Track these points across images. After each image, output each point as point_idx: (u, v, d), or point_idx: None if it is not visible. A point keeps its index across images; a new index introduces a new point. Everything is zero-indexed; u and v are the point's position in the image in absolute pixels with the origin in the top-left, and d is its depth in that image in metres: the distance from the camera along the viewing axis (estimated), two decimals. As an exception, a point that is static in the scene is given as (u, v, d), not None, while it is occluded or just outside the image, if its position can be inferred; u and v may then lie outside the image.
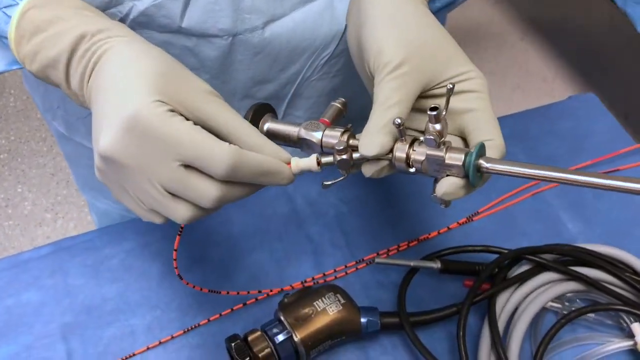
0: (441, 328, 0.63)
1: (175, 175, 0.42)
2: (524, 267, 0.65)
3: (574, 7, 2.36)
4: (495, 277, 0.64)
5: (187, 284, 0.60)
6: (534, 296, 0.63)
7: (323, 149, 0.48)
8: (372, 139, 0.45)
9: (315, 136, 0.48)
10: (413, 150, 0.45)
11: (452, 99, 0.47)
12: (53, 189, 1.85)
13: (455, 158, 0.44)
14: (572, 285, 0.64)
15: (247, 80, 0.64)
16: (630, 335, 0.62)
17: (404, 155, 0.45)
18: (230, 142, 0.44)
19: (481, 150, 0.44)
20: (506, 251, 0.66)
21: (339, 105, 0.51)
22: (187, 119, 0.43)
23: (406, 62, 0.46)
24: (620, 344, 0.62)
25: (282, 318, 0.59)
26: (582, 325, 0.65)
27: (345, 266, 0.68)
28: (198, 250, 0.68)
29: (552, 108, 0.84)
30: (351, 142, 0.48)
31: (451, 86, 0.44)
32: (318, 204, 0.72)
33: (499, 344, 0.59)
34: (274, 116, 0.53)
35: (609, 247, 0.66)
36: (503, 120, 0.80)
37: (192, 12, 0.57)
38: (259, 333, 0.58)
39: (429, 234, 0.70)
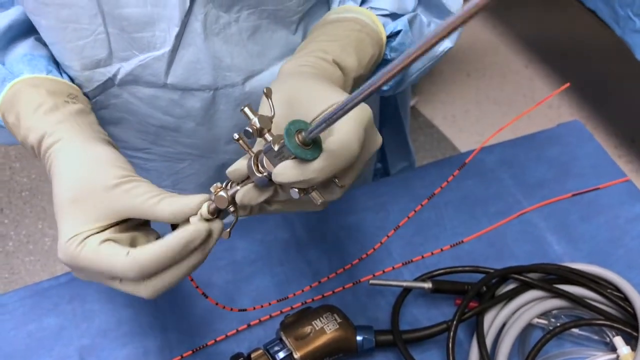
0: (433, 344, 0.67)
1: (114, 286, 0.48)
2: (510, 286, 0.69)
3: (578, 34, 2.41)
4: (483, 295, 0.68)
5: (216, 304, 0.65)
6: (521, 313, 0.67)
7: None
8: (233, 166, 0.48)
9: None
10: (258, 158, 0.46)
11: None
12: (72, 224, 1.91)
13: (279, 141, 0.43)
14: (557, 302, 0.68)
15: (231, 127, 0.69)
16: (613, 349, 0.65)
17: (252, 163, 0.45)
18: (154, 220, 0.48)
19: (299, 125, 0.42)
20: (493, 271, 0.69)
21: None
22: (107, 226, 0.48)
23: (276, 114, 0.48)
24: (603, 357, 0.65)
25: (283, 337, 0.63)
26: (568, 340, 0.68)
27: (343, 287, 0.72)
28: (204, 275, 0.73)
29: (539, 135, 0.88)
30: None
31: (265, 91, 0.45)
32: (317, 230, 0.77)
33: (487, 358, 0.63)
34: None
35: (592, 266, 0.70)
36: (492, 148, 0.86)
37: (176, 70, 0.62)
38: (261, 351, 0.62)
39: (422, 256, 0.75)
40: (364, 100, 0.35)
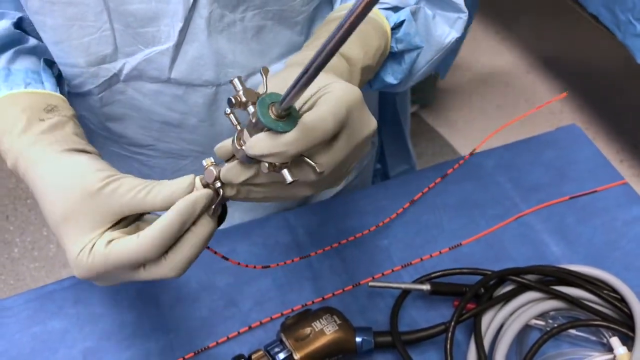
0: (431, 346, 0.68)
1: (141, 277, 0.48)
2: (508, 287, 0.70)
3: (580, 39, 2.41)
4: (481, 297, 0.69)
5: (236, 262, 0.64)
6: (518, 314, 0.68)
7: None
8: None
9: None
10: (241, 133, 0.46)
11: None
12: (77, 231, 1.93)
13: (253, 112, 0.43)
14: (554, 304, 0.68)
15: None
16: (610, 349, 0.66)
17: (235, 137, 0.46)
18: (149, 212, 0.49)
19: (274, 97, 0.42)
20: (491, 273, 0.70)
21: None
22: (108, 229, 0.48)
23: None
24: (600, 358, 0.66)
25: (283, 338, 0.64)
26: (566, 341, 0.69)
27: (343, 290, 0.73)
28: (206, 278, 0.74)
29: (537, 139, 0.89)
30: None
31: (262, 70, 0.45)
32: (318, 233, 0.78)
33: (485, 359, 0.63)
34: None
35: (589, 267, 0.70)
36: (491, 152, 0.87)
37: (179, 65, 0.64)
38: (261, 352, 0.63)
39: (421, 259, 0.76)
40: (325, 62, 0.35)
